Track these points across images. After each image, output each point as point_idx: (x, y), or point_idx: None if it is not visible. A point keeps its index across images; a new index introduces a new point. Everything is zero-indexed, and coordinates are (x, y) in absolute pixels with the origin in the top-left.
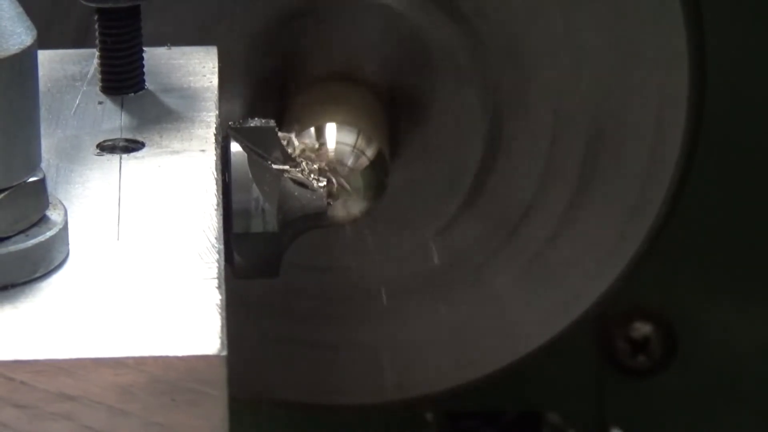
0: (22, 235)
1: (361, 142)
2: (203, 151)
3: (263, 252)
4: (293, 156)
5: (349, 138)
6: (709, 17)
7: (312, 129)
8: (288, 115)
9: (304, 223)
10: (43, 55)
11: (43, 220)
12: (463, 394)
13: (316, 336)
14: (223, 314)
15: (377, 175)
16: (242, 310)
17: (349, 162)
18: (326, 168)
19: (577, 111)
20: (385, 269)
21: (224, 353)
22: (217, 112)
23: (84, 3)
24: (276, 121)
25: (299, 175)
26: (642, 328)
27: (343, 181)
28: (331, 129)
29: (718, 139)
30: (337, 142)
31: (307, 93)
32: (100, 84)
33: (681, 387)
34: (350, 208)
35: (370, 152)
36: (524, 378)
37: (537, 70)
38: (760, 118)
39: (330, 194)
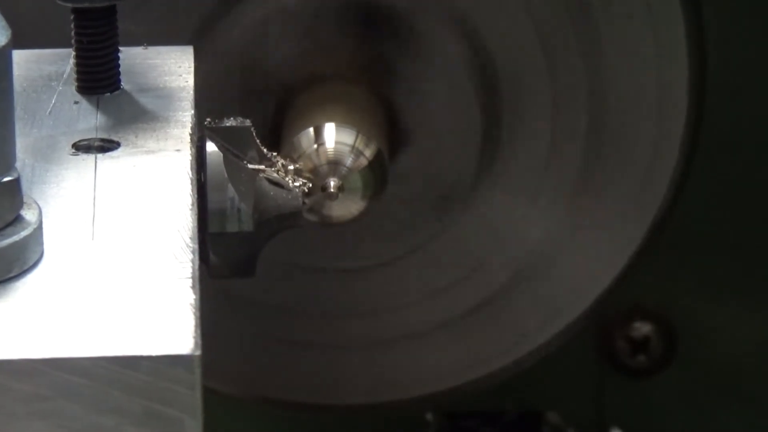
0: None
1: (360, 142)
2: (178, 150)
3: (239, 251)
4: (269, 156)
5: (348, 138)
6: (709, 17)
7: (311, 129)
8: (288, 115)
9: (279, 222)
10: (19, 55)
11: (17, 220)
12: (463, 394)
13: (316, 336)
14: (197, 314)
15: (376, 174)
16: (243, 310)
17: (348, 162)
18: (302, 168)
19: (576, 113)
20: (385, 269)
21: (198, 353)
22: (192, 111)
23: (60, 3)
24: (276, 121)
25: (275, 174)
26: (642, 328)
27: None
28: (329, 129)
29: (718, 139)
30: (336, 142)
31: (306, 93)
32: (76, 84)
33: (681, 387)
34: (350, 207)
35: (368, 152)
36: (524, 378)
37: (536, 71)
38: (760, 118)
39: (306, 194)
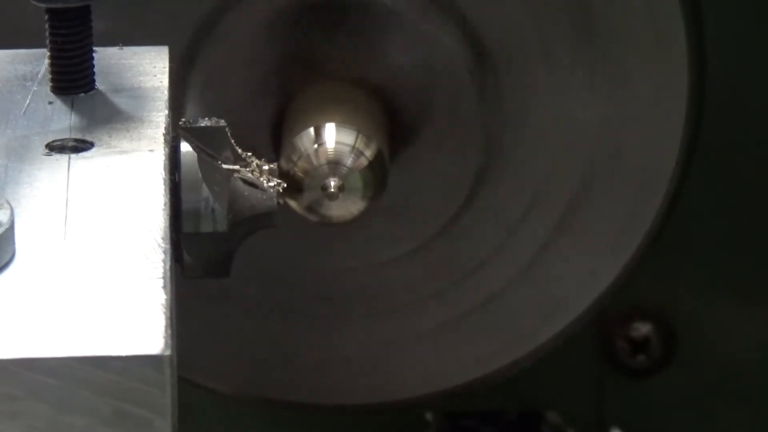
0: None
1: (360, 142)
2: (152, 151)
3: (213, 252)
4: (244, 156)
5: (349, 138)
6: (709, 17)
7: (311, 129)
8: (288, 115)
9: (254, 223)
10: None
11: None
12: (463, 394)
13: (316, 336)
14: (168, 314)
15: (377, 175)
16: (242, 310)
17: (348, 162)
18: (276, 169)
19: (576, 112)
20: (385, 269)
21: (168, 353)
22: (167, 112)
23: (34, 3)
24: (276, 120)
25: (249, 175)
26: (641, 328)
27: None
28: (330, 129)
29: (718, 139)
30: (337, 142)
31: (307, 92)
32: (51, 84)
33: (681, 387)
34: (350, 207)
35: (369, 152)
36: (524, 378)
37: (536, 71)
38: (760, 118)
39: (281, 194)
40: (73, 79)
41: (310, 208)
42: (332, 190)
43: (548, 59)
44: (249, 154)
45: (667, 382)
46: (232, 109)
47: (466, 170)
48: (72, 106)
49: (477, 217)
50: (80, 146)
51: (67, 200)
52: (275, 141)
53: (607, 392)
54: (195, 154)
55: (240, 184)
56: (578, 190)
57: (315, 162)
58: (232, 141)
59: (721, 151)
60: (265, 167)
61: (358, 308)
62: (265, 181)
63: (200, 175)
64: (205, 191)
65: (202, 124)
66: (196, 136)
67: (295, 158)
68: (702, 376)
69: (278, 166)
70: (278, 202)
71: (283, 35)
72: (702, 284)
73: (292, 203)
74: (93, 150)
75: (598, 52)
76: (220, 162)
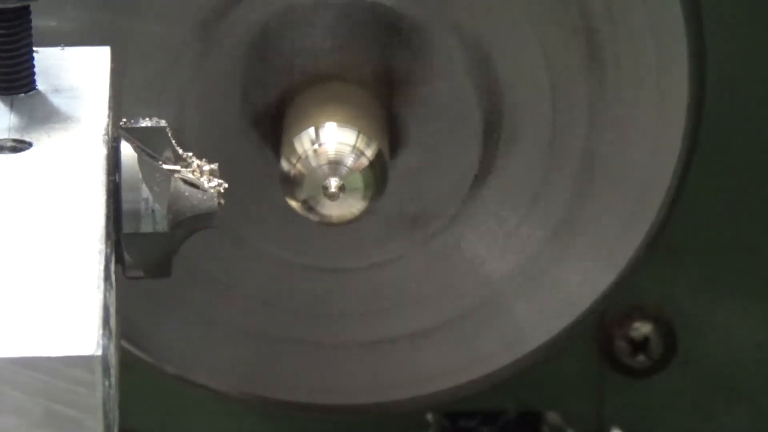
0: None
1: (360, 142)
2: (91, 151)
3: (154, 252)
4: (185, 156)
5: (349, 138)
6: (709, 18)
7: (311, 129)
8: (288, 115)
9: (194, 223)
10: None
11: None
12: (463, 394)
13: (315, 336)
14: (102, 314)
15: (377, 174)
16: (242, 310)
17: (349, 162)
18: (217, 169)
19: (576, 114)
20: (385, 268)
21: (99, 353)
22: (107, 112)
23: None
24: (276, 120)
25: (190, 175)
26: (642, 328)
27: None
28: (330, 129)
29: (718, 138)
30: (338, 142)
31: (307, 93)
32: None
33: (681, 387)
34: (350, 207)
35: (369, 152)
36: (524, 378)
37: (536, 72)
38: (760, 118)
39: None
40: (12, 79)
41: (310, 208)
42: (333, 190)
43: (549, 60)
44: (190, 154)
45: (667, 382)
46: (232, 110)
47: (466, 169)
48: (11, 107)
49: (477, 216)
50: (19, 146)
51: (3, 200)
52: (275, 141)
53: (607, 392)
54: (135, 155)
55: (181, 184)
56: (578, 190)
57: (315, 162)
58: (173, 141)
59: (721, 152)
60: (206, 167)
61: (358, 308)
62: (205, 182)
63: (140, 175)
64: (146, 191)
65: (142, 125)
66: (137, 137)
67: (295, 158)
68: (702, 376)
69: (279, 166)
70: (219, 203)
71: (285, 35)
72: (702, 284)
73: (293, 203)
74: (31, 150)
75: (599, 53)
76: (160, 162)
